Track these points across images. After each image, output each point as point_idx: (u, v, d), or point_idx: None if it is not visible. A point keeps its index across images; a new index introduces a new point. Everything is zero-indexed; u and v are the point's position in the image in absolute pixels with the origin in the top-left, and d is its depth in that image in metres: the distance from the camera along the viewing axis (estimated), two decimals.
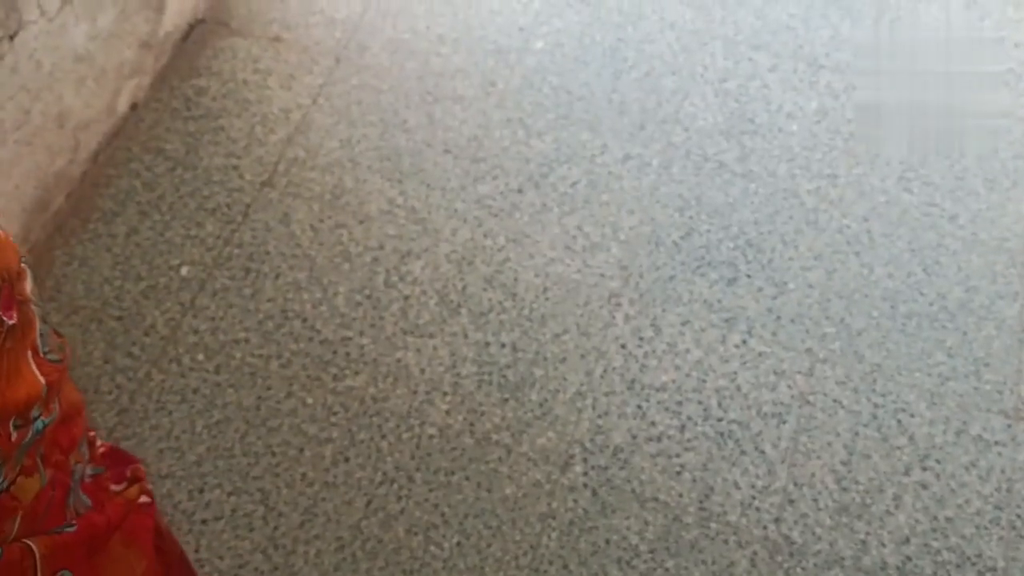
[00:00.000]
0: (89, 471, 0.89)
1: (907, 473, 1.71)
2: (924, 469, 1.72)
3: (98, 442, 0.97)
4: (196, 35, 2.22)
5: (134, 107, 2.08)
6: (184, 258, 1.88)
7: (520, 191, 2.02)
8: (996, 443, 1.75)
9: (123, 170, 1.99)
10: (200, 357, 1.76)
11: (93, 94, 1.93)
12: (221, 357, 1.77)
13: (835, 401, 1.79)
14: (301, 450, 1.68)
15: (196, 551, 1.58)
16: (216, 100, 2.12)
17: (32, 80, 1.74)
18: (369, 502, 1.64)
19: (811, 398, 1.79)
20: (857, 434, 1.75)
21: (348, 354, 1.79)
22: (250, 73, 2.17)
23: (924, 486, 1.70)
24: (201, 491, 1.63)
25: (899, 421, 1.77)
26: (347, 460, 1.68)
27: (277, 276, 1.87)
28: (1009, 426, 1.76)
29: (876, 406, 1.78)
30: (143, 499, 0.97)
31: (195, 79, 2.15)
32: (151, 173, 1.99)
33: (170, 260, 1.87)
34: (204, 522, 1.60)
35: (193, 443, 1.67)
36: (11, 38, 1.63)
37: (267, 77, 2.17)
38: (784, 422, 1.76)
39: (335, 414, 1.72)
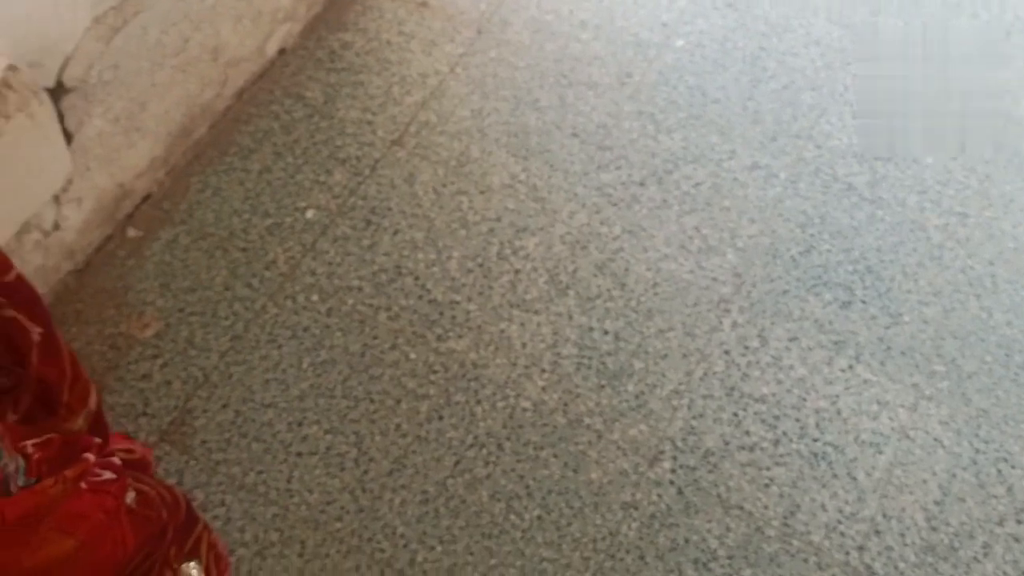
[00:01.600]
0: (20, 483, 0.92)
1: (1001, 523, 1.67)
2: (1019, 522, 1.67)
3: (34, 453, 0.99)
4: None
5: (282, 52, 2.15)
6: (311, 202, 1.94)
7: (642, 184, 2.02)
8: None
9: (264, 111, 2.06)
10: (314, 298, 1.82)
11: (248, 33, 2.00)
12: (334, 301, 1.82)
13: (936, 440, 1.75)
14: (399, 402, 1.72)
15: (288, 481, 1.63)
16: (359, 56, 2.17)
17: (195, 11, 1.81)
18: (457, 462, 1.67)
19: (911, 433, 1.75)
20: (954, 476, 1.71)
21: (454, 317, 1.82)
22: (394, 34, 2.22)
23: (1017, 539, 1.65)
24: (300, 425, 1.68)
25: (999, 470, 1.72)
26: (441, 418, 1.71)
27: (396, 232, 1.92)
28: None
29: (977, 451, 1.74)
30: (106, 475, 1.01)
31: (342, 33, 2.20)
32: (290, 117, 2.05)
33: (297, 202, 1.93)
34: (299, 455, 1.65)
35: (298, 378, 1.73)
36: None
37: (410, 40, 2.21)
38: (881, 452, 1.73)
39: (435, 372, 1.76)
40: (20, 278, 0.93)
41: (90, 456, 1.04)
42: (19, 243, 1.63)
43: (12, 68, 1.28)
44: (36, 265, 1.69)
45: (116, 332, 1.76)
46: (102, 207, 1.81)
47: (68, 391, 1.00)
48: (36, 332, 0.93)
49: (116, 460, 1.08)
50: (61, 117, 1.57)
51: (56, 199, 1.66)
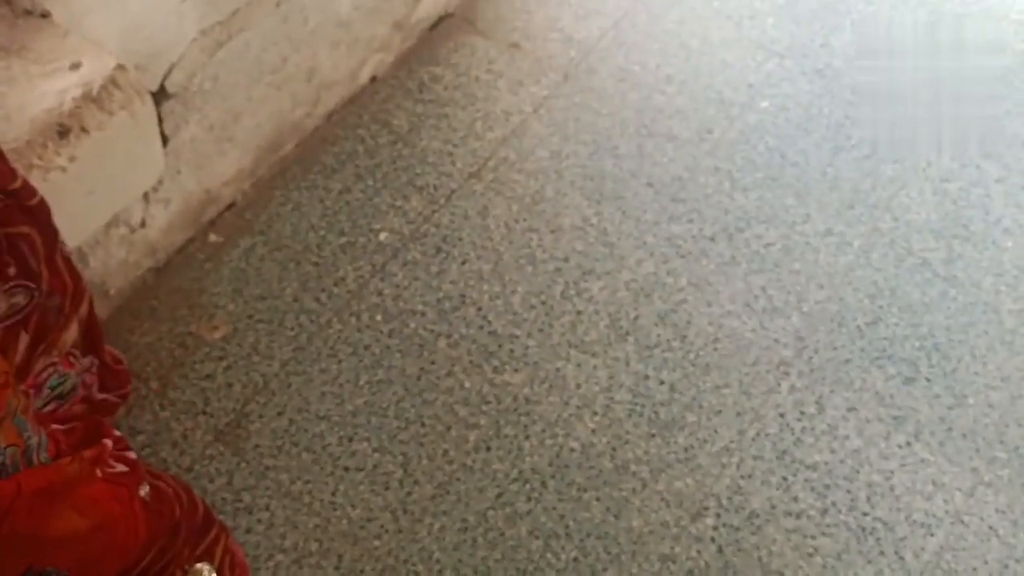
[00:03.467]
0: (42, 458, 0.94)
1: None
2: None
3: (57, 432, 1.01)
4: (443, 27, 2.35)
5: (373, 79, 2.22)
6: (385, 225, 1.99)
7: (712, 239, 2.03)
8: None
9: (350, 133, 2.12)
10: (378, 318, 1.86)
11: (343, 59, 2.07)
12: (396, 323, 1.85)
13: (991, 528, 1.70)
14: (448, 428, 1.74)
15: (333, 494, 1.65)
16: (447, 90, 2.23)
17: (296, 33, 1.88)
18: (500, 495, 1.68)
19: (966, 518, 1.70)
20: (1007, 567, 1.66)
21: (512, 351, 1.84)
22: (483, 72, 2.27)
23: None
24: (350, 440, 1.71)
25: None
26: (488, 449, 1.72)
27: (464, 262, 1.95)
28: None
29: None
30: (119, 468, 1.02)
31: (433, 66, 2.27)
32: (374, 142, 2.11)
33: (372, 224, 1.98)
34: (346, 469, 1.68)
35: (354, 395, 1.76)
36: None
37: (498, 79, 2.26)
38: (932, 535, 1.68)
39: (487, 403, 1.77)
40: (26, 185, 0.95)
41: (108, 442, 1.06)
42: (106, 235, 1.71)
43: (120, 68, 1.36)
44: (120, 259, 1.77)
45: (186, 331, 1.82)
46: (188, 210, 1.88)
47: (69, 301, 1.02)
48: (40, 244, 0.96)
49: (131, 455, 1.11)
50: (160, 120, 1.65)
51: (146, 198, 1.74)
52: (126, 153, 1.44)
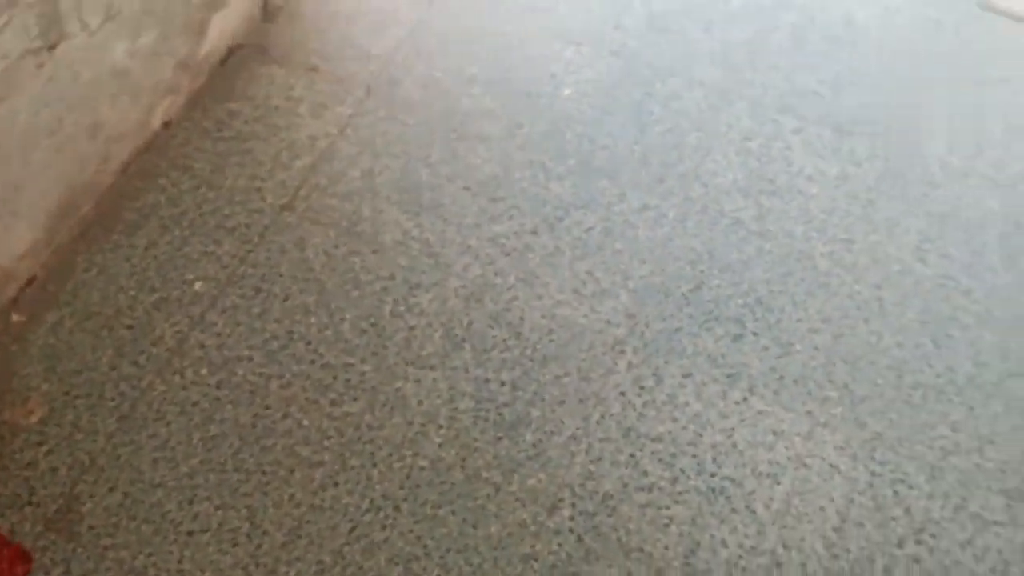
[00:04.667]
0: None
1: (900, 545, 1.68)
2: (918, 543, 1.69)
3: None
4: (235, 60, 2.28)
5: (166, 124, 2.14)
6: (199, 273, 1.92)
7: (534, 232, 2.04)
8: (994, 522, 1.71)
9: (150, 184, 2.04)
10: (203, 371, 1.79)
11: (127, 108, 1.99)
12: (223, 373, 1.79)
13: (832, 466, 1.77)
14: (292, 471, 1.69)
15: (179, 562, 1.59)
16: (247, 124, 2.17)
17: (68, 91, 1.80)
18: (353, 528, 1.64)
19: (808, 461, 1.77)
20: (852, 501, 1.73)
21: (348, 380, 1.81)
22: (283, 100, 2.22)
23: (916, 560, 1.67)
24: (191, 502, 1.65)
25: (896, 492, 1.74)
26: (336, 485, 1.69)
27: (286, 298, 1.90)
28: (1009, 506, 1.72)
29: (873, 475, 1.76)
30: None
31: (229, 102, 2.21)
32: (176, 189, 2.04)
33: (185, 274, 1.91)
34: (190, 533, 1.62)
35: (188, 455, 1.69)
36: (51, 49, 1.70)
37: (299, 105, 2.22)
38: (778, 483, 1.74)
39: (329, 438, 1.74)
40: None
41: None
42: None
43: None
44: None
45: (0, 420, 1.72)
46: None
47: None
48: None
49: None
50: None
51: None
52: None
